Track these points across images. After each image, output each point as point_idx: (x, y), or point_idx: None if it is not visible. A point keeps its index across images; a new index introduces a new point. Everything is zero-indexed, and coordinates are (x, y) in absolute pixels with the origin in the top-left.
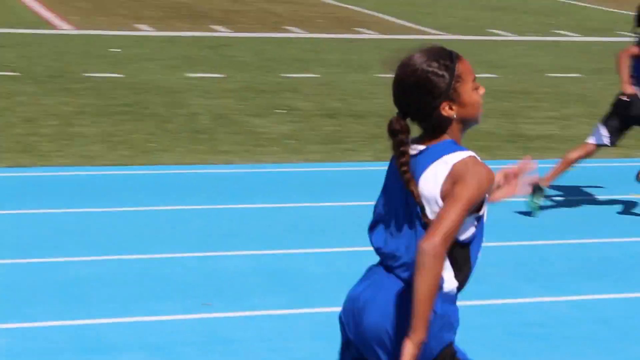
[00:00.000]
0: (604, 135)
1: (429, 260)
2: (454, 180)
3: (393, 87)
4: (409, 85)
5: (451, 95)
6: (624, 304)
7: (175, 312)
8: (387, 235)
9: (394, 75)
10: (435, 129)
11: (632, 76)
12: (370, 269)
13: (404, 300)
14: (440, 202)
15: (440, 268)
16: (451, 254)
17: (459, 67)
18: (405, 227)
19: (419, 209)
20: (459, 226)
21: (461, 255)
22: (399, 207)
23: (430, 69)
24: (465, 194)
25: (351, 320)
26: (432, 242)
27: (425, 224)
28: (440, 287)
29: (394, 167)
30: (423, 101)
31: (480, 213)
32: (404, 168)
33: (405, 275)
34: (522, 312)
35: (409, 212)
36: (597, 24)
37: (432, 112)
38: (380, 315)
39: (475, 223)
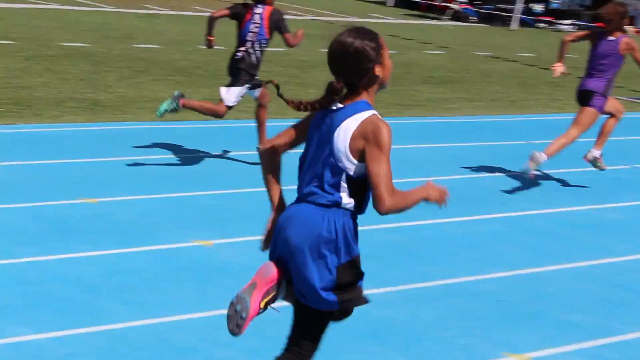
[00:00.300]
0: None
1: (393, 211)
2: (364, 137)
3: (333, 59)
4: (350, 55)
5: (379, 59)
6: None
7: None
8: (311, 176)
9: (331, 51)
10: (362, 88)
11: (241, 39)
12: (289, 209)
13: (318, 216)
14: (350, 156)
15: (398, 205)
16: (350, 186)
17: (380, 39)
18: (324, 171)
19: (333, 159)
20: (391, 173)
21: (356, 186)
22: (320, 156)
23: (365, 41)
24: (384, 149)
25: (280, 239)
26: (385, 205)
27: (337, 168)
28: (340, 204)
29: (318, 121)
30: (361, 65)
31: None
32: (316, 108)
33: (319, 201)
34: None
35: (326, 160)
36: None
37: (367, 73)
38: (303, 228)
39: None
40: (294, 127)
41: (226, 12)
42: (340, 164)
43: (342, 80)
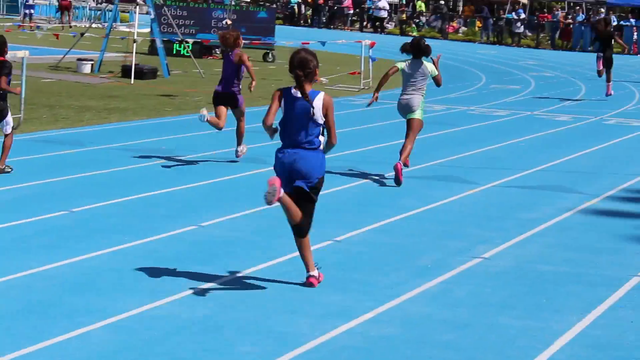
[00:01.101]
0: None
1: (334, 144)
2: (325, 105)
3: (298, 62)
4: (308, 62)
5: (317, 67)
6: None
7: None
8: (297, 133)
9: (298, 58)
10: (309, 82)
11: None
12: (285, 151)
13: (312, 157)
14: (322, 114)
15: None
16: (322, 132)
17: (316, 57)
18: (308, 126)
19: (312, 117)
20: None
21: (323, 132)
22: (302, 119)
23: (314, 56)
24: (333, 113)
25: (287, 169)
26: (334, 139)
27: (315, 122)
28: (320, 145)
29: (293, 99)
30: (312, 69)
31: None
32: (305, 93)
33: (309, 146)
34: None
35: (308, 119)
36: None
37: (313, 72)
38: (305, 163)
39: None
40: (272, 105)
41: None
42: (319, 120)
43: (302, 73)
